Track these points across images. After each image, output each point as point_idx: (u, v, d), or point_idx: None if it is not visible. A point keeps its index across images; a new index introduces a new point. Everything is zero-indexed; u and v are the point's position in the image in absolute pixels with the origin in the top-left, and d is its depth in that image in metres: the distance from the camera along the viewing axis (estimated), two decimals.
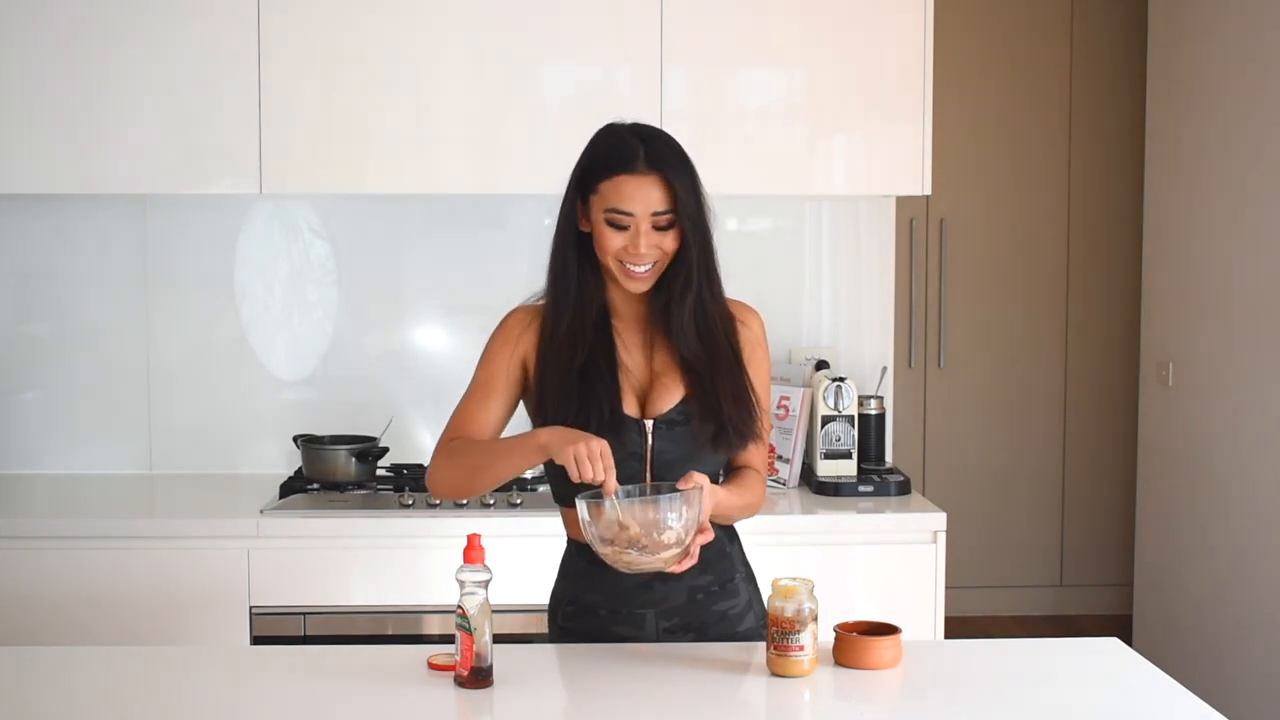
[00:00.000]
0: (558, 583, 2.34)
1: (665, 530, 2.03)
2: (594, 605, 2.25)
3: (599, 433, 2.11)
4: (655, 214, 2.14)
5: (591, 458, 2.02)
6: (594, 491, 2.04)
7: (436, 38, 3.30)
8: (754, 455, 2.31)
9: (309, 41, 3.29)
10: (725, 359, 2.23)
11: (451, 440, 2.24)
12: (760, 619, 2.29)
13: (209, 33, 3.27)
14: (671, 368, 2.24)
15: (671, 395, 2.22)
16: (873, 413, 3.53)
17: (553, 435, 2.09)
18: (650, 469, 2.20)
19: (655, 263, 2.17)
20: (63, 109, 3.27)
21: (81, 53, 3.26)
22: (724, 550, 2.29)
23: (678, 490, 2.04)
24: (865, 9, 3.35)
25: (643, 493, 2.07)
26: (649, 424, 2.21)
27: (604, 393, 2.18)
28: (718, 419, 2.20)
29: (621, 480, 2.06)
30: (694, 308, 2.20)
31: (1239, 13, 4.03)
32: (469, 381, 2.29)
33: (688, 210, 2.15)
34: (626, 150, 2.16)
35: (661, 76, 3.32)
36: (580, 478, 2.03)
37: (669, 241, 2.17)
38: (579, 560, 2.28)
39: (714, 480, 2.26)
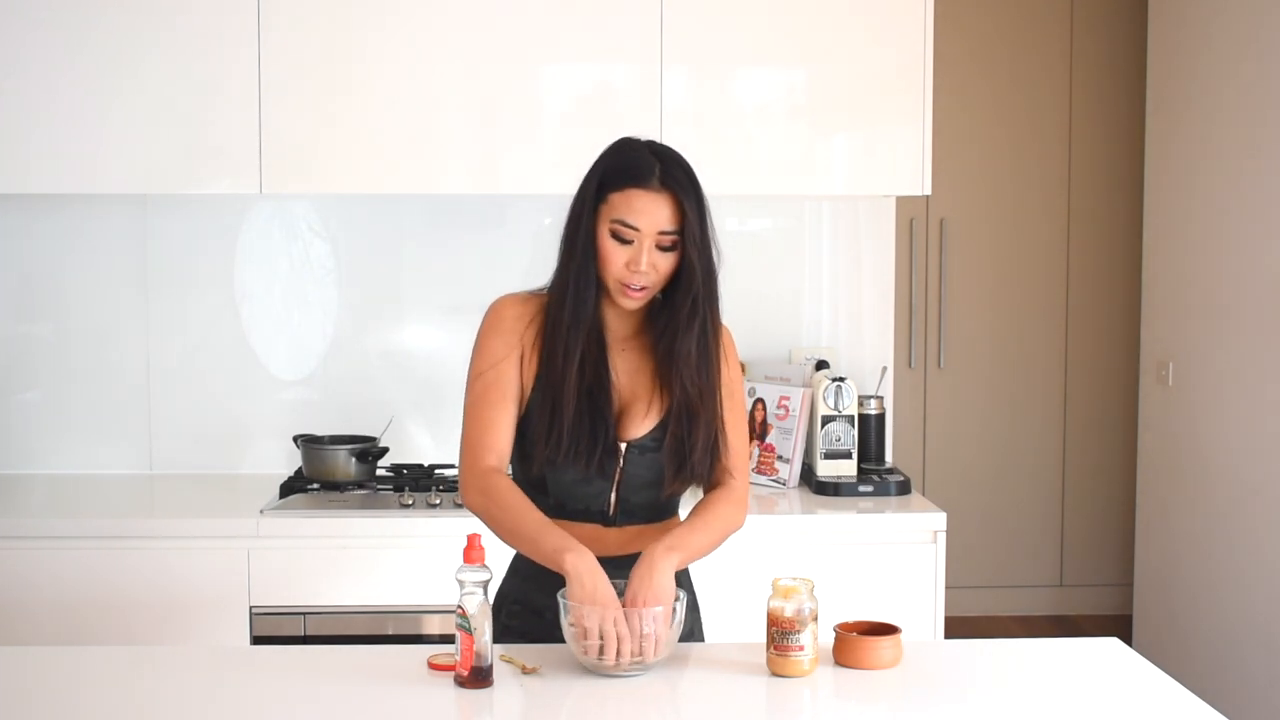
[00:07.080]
0: (506, 579, 2.33)
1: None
2: (540, 607, 2.24)
3: (602, 458, 2.17)
4: (661, 233, 2.13)
5: (606, 638, 2.01)
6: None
7: (436, 38, 3.30)
8: (735, 464, 2.29)
9: (309, 41, 3.29)
10: (711, 400, 2.22)
11: (484, 468, 2.19)
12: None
13: (209, 33, 3.27)
14: (650, 391, 2.24)
15: (648, 420, 2.23)
16: (873, 413, 3.53)
17: (578, 580, 2.04)
18: (616, 490, 2.23)
19: (651, 285, 2.16)
20: (63, 109, 3.27)
21: (81, 53, 3.26)
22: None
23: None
24: (865, 9, 3.35)
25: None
26: (622, 446, 2.22)
27: (610, 416, 2.20)
28: (685, 462, 2.21)
29: (583, 499, 2.17)
30: (699, 337, 2.19)
31: (1238, 14, 4.03)
32: (469, 380, 2.26)
33: (693, 235, 2.13)
34: (642, 165, 2.15)
35: (661, 76, 3.32)
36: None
37: (666, 263, 2.15)
38: (529, 561, 2.24)
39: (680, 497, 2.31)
